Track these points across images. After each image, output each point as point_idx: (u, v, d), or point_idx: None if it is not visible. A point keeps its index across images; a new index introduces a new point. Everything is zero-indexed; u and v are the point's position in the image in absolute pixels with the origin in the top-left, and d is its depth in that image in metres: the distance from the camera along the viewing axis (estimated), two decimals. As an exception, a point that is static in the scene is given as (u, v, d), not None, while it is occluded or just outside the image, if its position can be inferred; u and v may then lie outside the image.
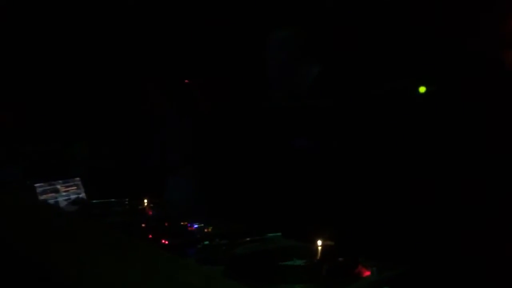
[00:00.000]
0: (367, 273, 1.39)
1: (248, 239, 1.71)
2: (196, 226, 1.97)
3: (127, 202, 2.50)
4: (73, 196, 2.64)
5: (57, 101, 3.50)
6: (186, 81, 3.04)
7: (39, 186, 2.56)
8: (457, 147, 2.01)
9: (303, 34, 2.22)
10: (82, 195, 2.68)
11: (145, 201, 2.45)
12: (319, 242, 1.51)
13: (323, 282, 1.35)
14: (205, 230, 1.93)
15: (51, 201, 2.55)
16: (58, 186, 2.62)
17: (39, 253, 1.50)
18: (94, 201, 2.58)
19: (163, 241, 1.79)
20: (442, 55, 2.19)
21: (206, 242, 1.64)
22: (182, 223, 2.00)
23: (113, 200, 2.52)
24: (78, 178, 2.73)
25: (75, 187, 2.68)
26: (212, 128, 2.62)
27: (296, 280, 1.34)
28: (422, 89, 1.91)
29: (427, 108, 2.07)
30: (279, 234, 1.78)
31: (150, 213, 2.36)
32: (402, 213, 1.80)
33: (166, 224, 2.02)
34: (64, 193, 2.62)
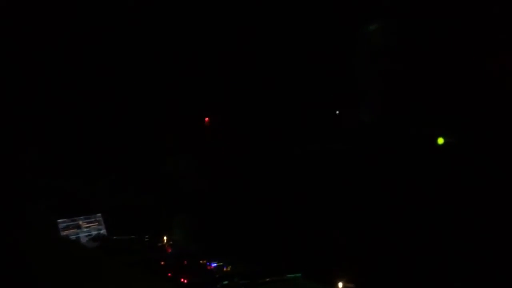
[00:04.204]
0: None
1: (268, 279, 1.69)
2: (214, 264, 1.96)
3: (147, 239, 2.51)
4: (94, 232, 2.66)
5: (81, 139, 3.58)
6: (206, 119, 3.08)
7: (61, 222, 2.59)
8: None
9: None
10: (103, 231, 2.70)
11: (165, 238, 2.46)
12: (340, 285, 1.48)
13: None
14: (224, 269, 1.91)
15: (73, 237, 2.58)
16: (80, 222, 2.65)
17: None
18: (114, 237, 2.60)
19: (182, 279, 1.77)
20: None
21: (225, 282, 1.63)
22: (201, 261, 1.99)
23: (133, 236, 2.53)
24: (99, 214, 2.76)
25: (96, 223, 2.71)
26: (223, 164, 2.63)
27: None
28: (440, 141, 1.89)
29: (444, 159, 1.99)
30: (299, 275, 1.75)
31: (169, 250, 2.36)
32: (435, 255, 1.75)
33: (185, 262, 2.01)
34: (85, 229, 2.65)
